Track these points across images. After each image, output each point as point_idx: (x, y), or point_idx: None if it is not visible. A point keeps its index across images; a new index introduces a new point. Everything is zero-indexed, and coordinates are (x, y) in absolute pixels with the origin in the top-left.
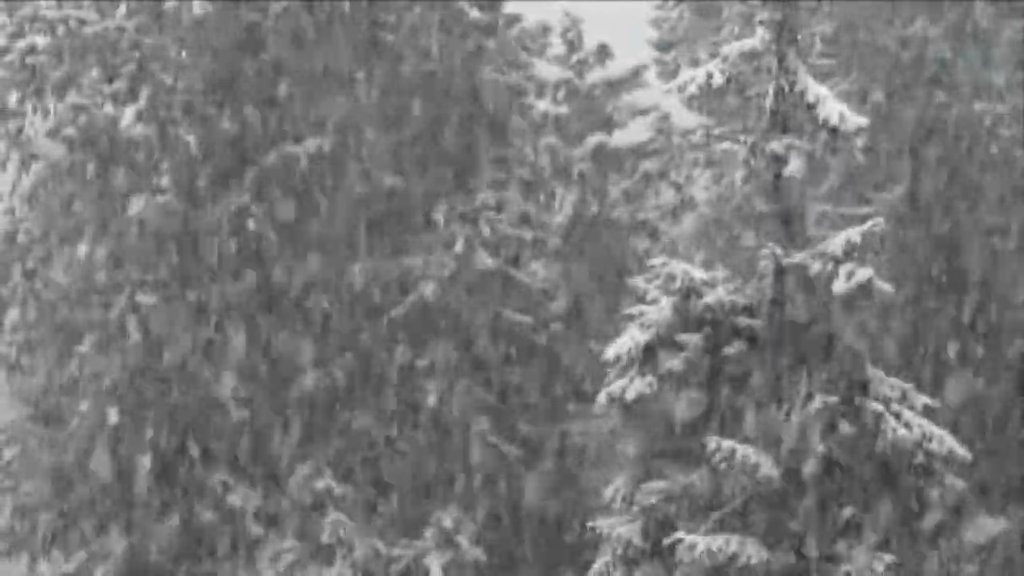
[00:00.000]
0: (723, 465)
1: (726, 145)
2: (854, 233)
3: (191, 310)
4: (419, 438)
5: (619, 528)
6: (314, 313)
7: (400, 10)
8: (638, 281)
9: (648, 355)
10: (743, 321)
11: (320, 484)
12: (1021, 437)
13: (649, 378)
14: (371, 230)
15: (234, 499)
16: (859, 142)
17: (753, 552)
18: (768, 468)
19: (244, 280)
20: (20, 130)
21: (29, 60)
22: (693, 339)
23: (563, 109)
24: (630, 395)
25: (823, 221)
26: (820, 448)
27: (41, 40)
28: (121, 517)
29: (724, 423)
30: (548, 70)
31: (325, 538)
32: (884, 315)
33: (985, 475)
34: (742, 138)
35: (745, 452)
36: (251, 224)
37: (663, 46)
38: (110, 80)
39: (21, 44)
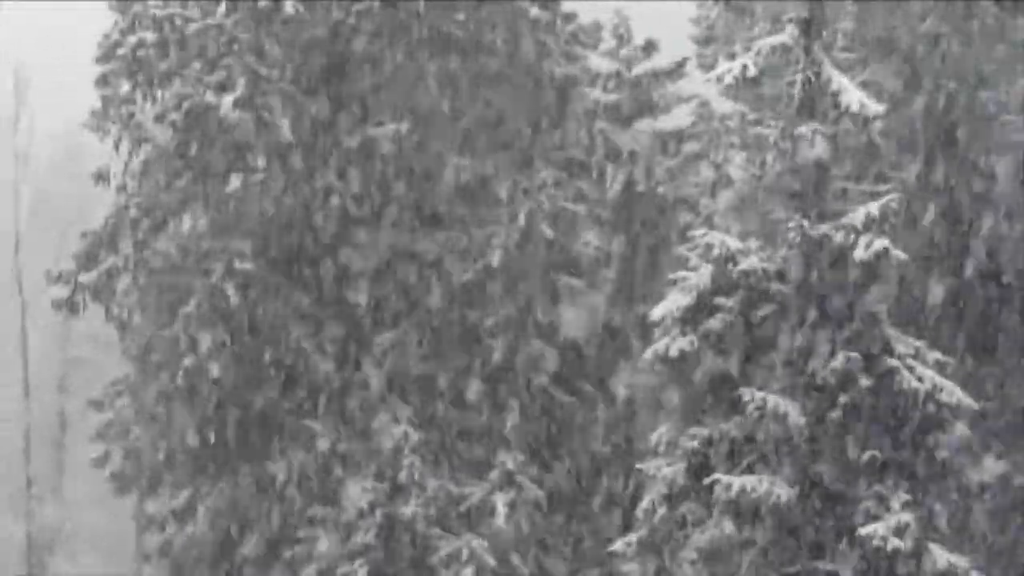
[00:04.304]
0: (756, 414)
1: (759, 129)
2: (873, 207)
3: (284, 276)
4: (486, 389)
5: (664, 469)
6: (392, 278)
7: (469, 9)
8: (681, 250)
9: (689, 316)
10: (774, 286)
11: (398, 430)
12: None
13: (690, 336)
14: (443, 205)
15: (322, 443)
16: (876, 126)
17: (783, 491)
18: (796, 416)
19: (330, 248)
20: (131, 115)
21: (139, 53)
22: (729, 302)
23: (614, 97)
24: (674, 352)
25: (845, 196)
26: (842, 399)
27: (149, 35)
28: (221, 460)
29: (757, 376)
30: (600, 63)
31: (402, 478)
32: (900, 279)
33: (990, 421)
34: (773, 123)
35: (776, 402)
36: (336, 199)
37: (703, 41)
38: (211, 71)
39: (132, 39)
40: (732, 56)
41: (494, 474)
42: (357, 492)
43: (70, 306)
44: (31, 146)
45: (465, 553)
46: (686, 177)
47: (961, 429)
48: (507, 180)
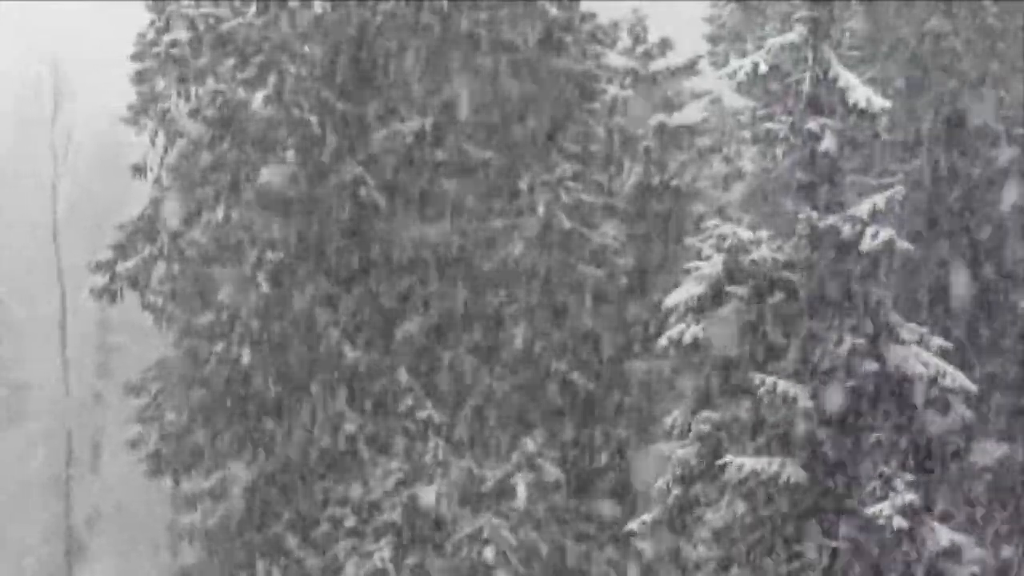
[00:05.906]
0: (766, 398)
1: (770, 124)
2: (879, 199)
3: (312, 265)
4: (507, 375)
5: (678, 452)
6: (416, 267)
7: (491, 8)
8: (694, 241)
9: (703, 304)
10: (783, 275)
11: (422, 414)
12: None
13: (704, 323)
14: (466, 196)
15: (349, 426)
16: (883, 121)
17: (792, 472)
18: (804, 400)
19: (356, 239)
20: (166, 111)
21: (174, 51)
22: (741, 290)
23: (630, 93)
24: (687, 338)
25: (852, 189)
26: (849, 383)
27: (184, 34)
28: (252, 443)
29: (767, 362)
30: (617, 60)
31: (427, 460)
32: (904, 268)
33: (991, 405)
34: (783, 118)
35: (785, 387)
36: (363, 192)
37: (715, 39)
38: (243, 68)
39: (166, 38)
40: (744, 54)
41: (515, 456)
42: (382, 473)
43: (108, 294)
44: (69, 142)
45: (486, 532)
46: (699, 170)
47: (963, 412)
48: (527, 173)
